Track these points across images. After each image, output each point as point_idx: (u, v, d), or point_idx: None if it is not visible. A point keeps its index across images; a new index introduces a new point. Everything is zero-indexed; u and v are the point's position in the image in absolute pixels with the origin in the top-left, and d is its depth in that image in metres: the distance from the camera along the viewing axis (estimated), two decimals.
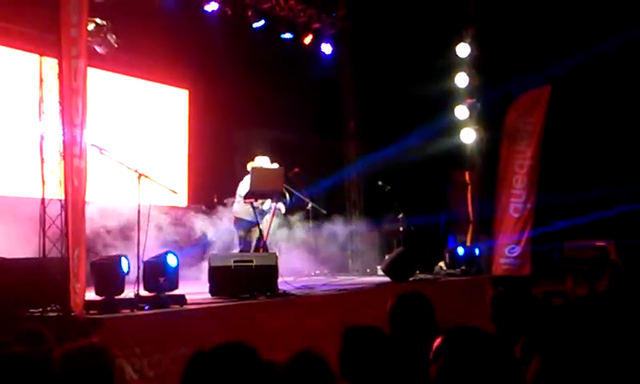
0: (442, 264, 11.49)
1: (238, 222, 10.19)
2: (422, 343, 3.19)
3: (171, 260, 6.74)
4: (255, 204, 9.68)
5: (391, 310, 4.03)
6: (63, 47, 5.73)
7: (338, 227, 11.79)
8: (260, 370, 2.87)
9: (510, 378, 2.16)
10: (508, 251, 10.99)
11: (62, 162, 5.84)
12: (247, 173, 10.11)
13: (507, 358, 2.26)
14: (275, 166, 10.12)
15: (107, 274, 6.15)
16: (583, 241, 11.09)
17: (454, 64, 12.71)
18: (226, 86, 11.68)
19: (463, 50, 12.60)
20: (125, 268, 6.20)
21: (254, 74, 12.10)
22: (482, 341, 2.42)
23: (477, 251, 11.53)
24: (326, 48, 13.28)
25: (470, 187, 12.79)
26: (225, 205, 10.59)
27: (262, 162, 10.17)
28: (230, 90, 11.64)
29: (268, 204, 10.13)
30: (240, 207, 10.11)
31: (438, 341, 2.71)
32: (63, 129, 5.75)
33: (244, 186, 10.09)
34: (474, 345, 2.39)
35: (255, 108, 11.85)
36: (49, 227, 6.11)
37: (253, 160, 10.20)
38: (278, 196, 10.03)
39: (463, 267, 11.29)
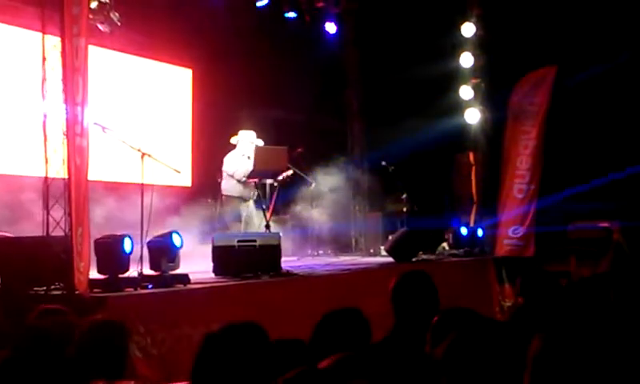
0: (445, 245, 11.50)
1: (227, 199, 10.05)
2: (425, 322, 3.20)
3: (176, 240, 6.76)
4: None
5: (394, 289, 4.03)
6: (65, 25, 5.71)
7: (341, 207, 11.77)
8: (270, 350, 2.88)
9: (512, 361, 2.16)
10: (512, 232, 10.99)
11: (65, 141, 5.84)
12: (232, 147, 10.03)
13: (508, 342, 2.26)
14: (260, 141, 10.02)
15: (111, 253, 6.17)
16: (587, 222, 11.06)
17: (459, 44, 12.63)
18: (230, 65, 11.63)
19: (468, 29, 12.51)
20: (127, 248, 6.20)
21: (257, 53, 12.05)
22: (481, 323, 2.43)
23: (480, 232, 11.53)
24: (330, 27, 13.21)
25: (474, 168, 12.76)
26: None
27: (247, 136, 10.01)
28: (233, 70, 11.60)
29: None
30: (228, 184, 9.98)
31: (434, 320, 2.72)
32: (66, 107, 5.75)
33: (230, 161, 9.95)
34: (479, 327, 2.40)
35: (259, 87, 11.81)
36: (52, 206, 6.11)
37: (236, 134, 10.09)
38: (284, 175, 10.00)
39: (466, 248, 11.29)
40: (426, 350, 2.80)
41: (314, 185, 11.13)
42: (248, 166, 9.72)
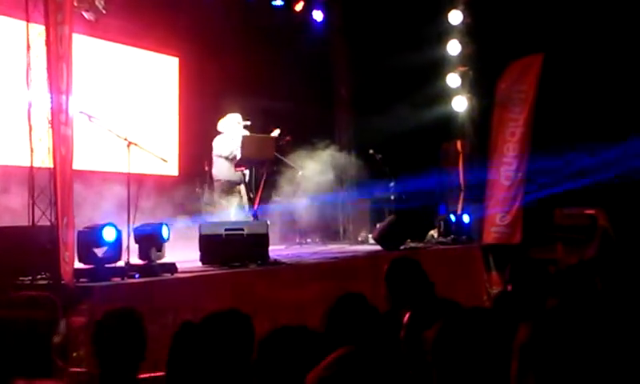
0: (433, 232, 11.52)
1: (218, 185, 10.09)
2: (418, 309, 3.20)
3: (164, 232, 6.73)
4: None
5: (386, 275, 4.03)
6: (49, 13, 5.66)
7: (329, 195, 11.76)
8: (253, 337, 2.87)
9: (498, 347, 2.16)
10: (499, 219, 11.02)
11: (51, 130, 5.80)
12: (219, 132, 10.07)
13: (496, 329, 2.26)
14: (247, 122, 10.07)
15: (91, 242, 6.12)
16: (573, 208, 11.11)
17: (446, 31, 12.62)
18: (217, 53, 11.56)
19: (455, 16, 12.50)
20: (108, 236, 6.13)
21: (244, 41, 11.98)
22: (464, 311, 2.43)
23: (467, 219, 11.55)
24: (317, 15, 13.17)
25: (461, 155, 12.77)
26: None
27: (234, 118, 10.05)
28: (220, 58, 11.53)
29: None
30: (218, 169, 10.02)
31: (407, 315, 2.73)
32: (50, 96, 5.70)
33: (219, 145, 9.99)
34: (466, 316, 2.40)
35: (246, 76, 11.75)
36: (38, 195, 6.06)
37: (224, 117, 10.14)
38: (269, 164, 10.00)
39: (454, 236, 11.32)
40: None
41: (300, 173, 11.09)
42: (234, 146, 9.78)
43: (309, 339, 2.88)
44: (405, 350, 2.81)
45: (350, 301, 3.51)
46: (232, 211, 9.82)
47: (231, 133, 10.01)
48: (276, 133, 10.18)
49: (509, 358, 2.00)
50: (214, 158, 10.07)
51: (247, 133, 10.08)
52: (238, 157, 9.89)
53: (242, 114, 10.33)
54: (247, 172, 9.90)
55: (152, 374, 4.41)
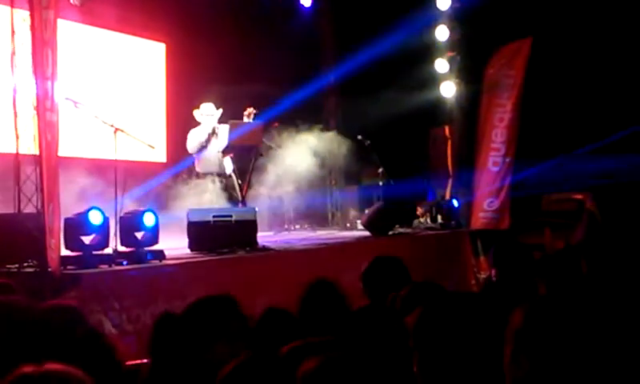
0: (421, 218, 11.54)
1: (203, 176, 9.98)
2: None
3: (148, 219, 6.69)
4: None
5: (364, 275, 4.05)
6: None
7: (317, 181, 11.74)
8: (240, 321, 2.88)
9: (484, 331, 2.16)
10: (487, 205, 11.06)
11: (36, 117, 5.75)
12: (197, 123, 9.97)
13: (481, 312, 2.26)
14: (220, 111, 9.97)
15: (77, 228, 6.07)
16: (561, 194, 11.16)
17: (434, 16, 12.59)
18: (205, 39, 11.49)
19: (443, 2, 12.48)
20: (95, 220, 6.09)
21: (232, 27, 11.92)
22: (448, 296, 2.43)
23: (456, 205, 11.57)
24: (306, 1, 13.11)
25: (449, 141, 12.79)
26: None
27: (208, 108, 9.95)
28: (207, 44, 11.46)
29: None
30: (200, 160, 9.91)
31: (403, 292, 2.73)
32: (36, 82, 5.65)
33: (189, 141, 9.86)
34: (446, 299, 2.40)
35: (234, 62, 11.69)
36: (24, 182, 6.02)
37: (198, 107, 10.04)
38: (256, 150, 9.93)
39: (442, 221, 11.35)
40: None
41: (278, 149, 10.92)
42: (201, 137, 9.64)
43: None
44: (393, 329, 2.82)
45: (321, 288, 3.53)
46: (215, 199, 9.73)
47: (204, 123, 9.89)
48: (250, 110, 10.07)
49: (490, 343, 2.00)
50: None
51: (215, 122, 9.90)
52: (208, 146, 9.73)
53: (229, 100, 10.25)
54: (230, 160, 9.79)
55: (141, 361, 4.40)
